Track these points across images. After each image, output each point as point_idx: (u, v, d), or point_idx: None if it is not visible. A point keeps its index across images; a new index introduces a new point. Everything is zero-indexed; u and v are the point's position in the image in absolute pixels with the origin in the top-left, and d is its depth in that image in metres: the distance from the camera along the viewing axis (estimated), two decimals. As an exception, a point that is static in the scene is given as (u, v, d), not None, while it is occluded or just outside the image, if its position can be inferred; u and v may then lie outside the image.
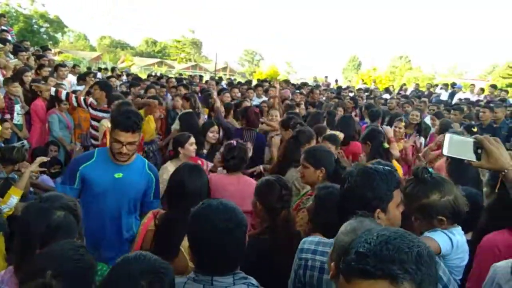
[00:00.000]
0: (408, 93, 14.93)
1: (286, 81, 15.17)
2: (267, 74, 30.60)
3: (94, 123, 5.35)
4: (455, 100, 12.73)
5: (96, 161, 2.67)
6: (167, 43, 63.39)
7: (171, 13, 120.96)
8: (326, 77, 19.74)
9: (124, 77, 12.49)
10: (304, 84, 13.17)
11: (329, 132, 4.47)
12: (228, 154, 3.24)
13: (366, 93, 12.99)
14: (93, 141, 5.44)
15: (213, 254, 1.46)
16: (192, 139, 3.76)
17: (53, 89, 5.76)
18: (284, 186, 2.33)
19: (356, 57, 56.06)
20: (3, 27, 9.65)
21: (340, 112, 6.78)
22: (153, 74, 17.56)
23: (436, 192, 1.87)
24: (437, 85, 17.09)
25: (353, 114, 7.25)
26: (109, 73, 13.53)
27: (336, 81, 19.70)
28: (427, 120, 7.33)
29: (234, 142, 3.33)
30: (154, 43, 62.81)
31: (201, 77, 17.28)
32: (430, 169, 1.94)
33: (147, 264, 1.31)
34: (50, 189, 4.99)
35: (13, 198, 3.08)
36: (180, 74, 21.16)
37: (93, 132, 5.37)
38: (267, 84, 10.97)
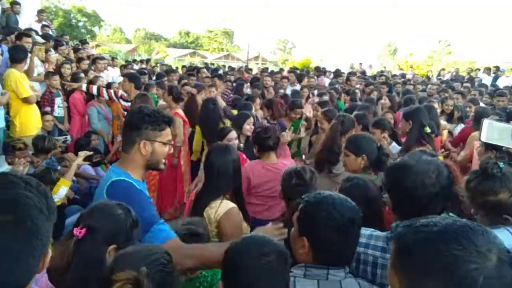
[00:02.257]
0: (446, 78, 14.34)
1: (317, 68, 14.93)
2: (300, 62, 30.23)
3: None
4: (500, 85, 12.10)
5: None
6: (199, 34, 63.94)
7: (204, 4, 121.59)
8: (360, 63, 19.29)
9: (159, 69, 12.69)
10: (338, 74, 12.87)
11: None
12: (262, 135, 3.26)
13: (403, 79, 12.58)
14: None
15: (334, 246, 1.44)
16: (233, 134, 3.75)
17: (84, 85, 5.97)
18: (300, 177, 2.35)
19: (392, 43, 54.44)
20: (44, 22, 10.02)
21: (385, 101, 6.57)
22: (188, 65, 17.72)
23: (505, 190, 1.75)
24: (478, 69, 16.31)
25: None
26: (144, 65, 13.82)
27: (370, 66, 19.20)
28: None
29: (264, 124, 3.41)
30: (187, 34, 63.47)
31: (232, 68, 17.32)
32: (501, 164, 1.80)
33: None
34: (91, 177, 5.24)
35: (62, 189, 3.29)
36: (212, 64, 21.28)
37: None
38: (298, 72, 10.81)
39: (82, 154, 3.64)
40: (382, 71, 16.73)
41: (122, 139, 2.03)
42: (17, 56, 5.17)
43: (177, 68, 15.06)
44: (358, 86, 9.80)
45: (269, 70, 15.06)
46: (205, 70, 10.22)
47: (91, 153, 4.02)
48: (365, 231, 1.69)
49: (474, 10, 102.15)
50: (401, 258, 0.94)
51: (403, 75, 14.98)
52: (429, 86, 9.21)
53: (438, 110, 5.08)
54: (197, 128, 5.04)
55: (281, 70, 16.95)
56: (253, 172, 3.20)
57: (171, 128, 2.03)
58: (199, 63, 27.19)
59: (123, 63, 13.25)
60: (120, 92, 5.58)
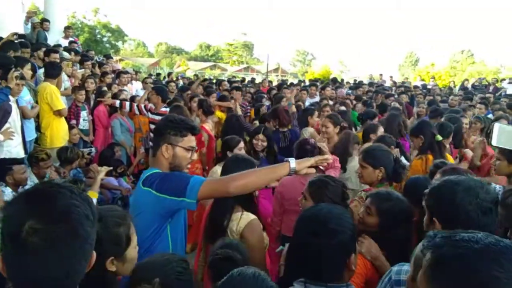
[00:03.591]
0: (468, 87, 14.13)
1: (334, 80, 14.94)
2: (319, 73, 30.24)
3: (152, 126, 5.64)
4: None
5: None
6: (220, 47, 64.81)
7: (223, 18, 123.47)
8: (381, 74, 19.18)
9: (181, 82, 12.94)
10: (359, 84, 12.84)
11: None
12: (300, 151, 3.30)
13: (424, 90, 12.45)
14: (152, 144, 5.74)
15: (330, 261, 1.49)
16: (242, 144, 3.82)
17: (117, 102, 6.19)
18: (344, 186, 2.40)
19: (414, 53, 53.87)
20: (70, 38, 10.41)
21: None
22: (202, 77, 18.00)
23: None
24: (504, 79, 15.97)
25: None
26: (167, 78, 14.12)
27: (391, 77, 19.07)
28: (491, 117, 6.90)
29: (307, 139, 3.43)
30: (208, 47, 64.43)
31: (253, 79, 17.50)
32: None
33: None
34: (115, 188, 5.41)
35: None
36: (233, 77, 21.54)
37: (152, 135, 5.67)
38: (318, 83, 10.86)
39: (104, 169, 3.79)
40: (403, 82, 16.59)
41: (152, 143, 2.22)
42: (53, 72, 5.44)
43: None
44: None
45: (289, 82, 15.16)
46: (226, 82, 10.38)
47: (110, 168, 4.17)
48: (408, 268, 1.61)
49: (497, 15, 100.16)
50: (436, 269, 0.93)
51: (424, 86, 14.82)
52: (451, 97, 9.10)
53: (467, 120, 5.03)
54: (219, 142, 5.13)
55: (300, 81, 17.02)
56: (288, 187, 3.12)
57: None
58: (219, 75, 27.54)
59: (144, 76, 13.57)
60: (149, 105, 5.79)
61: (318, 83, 11.45)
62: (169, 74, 15.93)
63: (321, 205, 1.71)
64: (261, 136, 4.18)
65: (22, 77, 4.48)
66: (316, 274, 1.49)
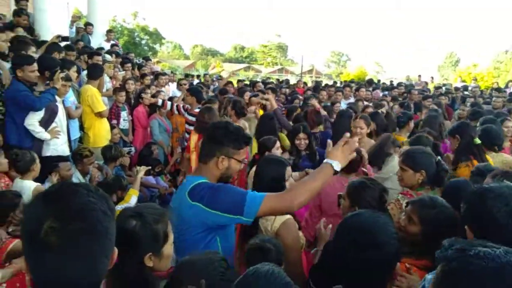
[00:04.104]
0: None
1: (370, 81, 14.66)
2: (354, 75, 29.77)
3: (188, 127, 5.76)
4: None
5: None
6: (254, 48, 65.13)
7: (258, 19, 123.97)
8: (419, 76, 18.64)
9: (216, 83, 13.11)
10: (398, 85, 12.54)
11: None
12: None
13: (465, 92, 12.00)
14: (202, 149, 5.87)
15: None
16: (278, 143, 3.83)
17: (160, 101, 6.39)
18: (384, 189, 2.33)
19: (454, 54, 51.93)
20: (112, 42, 10.81)
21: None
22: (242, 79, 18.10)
23: None
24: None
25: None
26: (201, 79, 14.36)
27: (432, 78, 18.49)
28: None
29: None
30: (242, 48, 64.91)
31: (287, 81, 17.46)
32: None
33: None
34: (152, 186, 5.58)
35: (133, 198, 3.62)
36: (267, 78, 21.58)
37: (188, 136, 5.79)
38: (353, 85, 10.70)
39: (143, 169, 3.93)
40: (444, 84, 16.06)
41: (201, 149, 2.13)
42: (95, 73, 5.67)
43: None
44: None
45: (323, 84, 15.03)
46: (261, 83, 10.43)
47: (149, 167, 4.32)
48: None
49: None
50: (444, 283, 0.90)
51: (465, 88, 14.28)
52: (493, 98, 8.73)
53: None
54: (254, 141, 5.16)
55: (335, 83, 16.84)
56: (327, 188, 3.06)
57: None
58: (253, 77, 27.66)
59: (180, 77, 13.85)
60: (187, 105, 5.94)
61: (353, 84, 11.28)
62: (204, 75, 16.17)
63: (364, 213, 1.62)
64: (302, 135, 4.17)
65: (68, 79, 4.70)
66: (357, 285, 1.47)
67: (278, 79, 20.01)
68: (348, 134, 2.02)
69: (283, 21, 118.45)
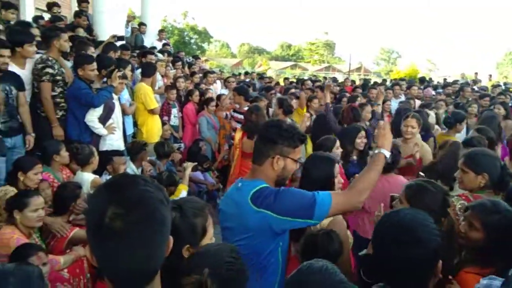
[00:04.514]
0: None
1: (422, 79, 14.08)
2: (405, 72, 28.72)
3: (235, 124, 5.83)
4: None
5: None
6: (301, 46, 64.66)
7: (305, 17, 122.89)
8: (476, 73, 17.67)
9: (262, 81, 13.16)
10: (453, 83, 11.95)
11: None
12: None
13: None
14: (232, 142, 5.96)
15: None
16: (338, 143, 3.75)
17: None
18: (447, 193, 2.21)
19: (514, 50, 48.64)
20: (164, 41, 11.17)
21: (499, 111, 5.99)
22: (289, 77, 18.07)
23: None
24: None
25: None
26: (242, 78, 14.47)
27: (490, 76, 17.46)
28: None
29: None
30: (289, 46, 64.66)
31: (334, 79, 17.20)
32: None
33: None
34: (200, 182, 5.71)
35: (183, 193, 3.73)
36: (314, 76, 21.37)
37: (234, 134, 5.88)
38: (404, 83, 10.32)
39: (190, 165, 4.04)
40: (505, 83, 15.10)
41: (254, 150, 2.05)
42: (148, 72, 5.89)
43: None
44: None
45: (372, 81, 14.65)
46: (309, 81, 10.35)
47: (196, 163, 4.44)
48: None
49: None
50: None
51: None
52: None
53: None
54: (308, 140, 5.13)
55: (384, 81, 16.35)
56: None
57: None
58: (300, 75, 27.49)
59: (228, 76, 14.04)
60: (235, 104, 6.05)
61: (403, 82, 10.88)
62: (246, 73, 16.27)
63: (403, 209, 1.60)
64: (363, 133, 4.10)
65: (124, 77, 4.92)
66: (399, 283, 1.43)
67: (325, 77, 19.75)
68: (382, 122, 2.03)
69: (331, 18, 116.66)
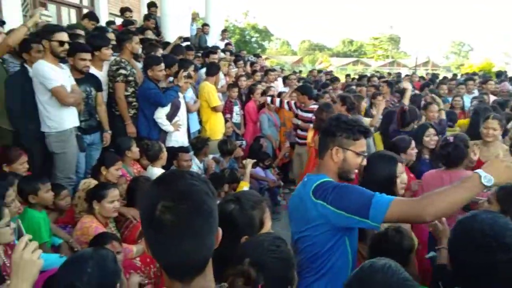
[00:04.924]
0: None
1: (500, 73, 13.04)
2: (479, 66, 26.78)
3: (302, 123, 5.81)
4: None
5: None
6: (363, 42, 62.80)
7: (368, 11, 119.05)
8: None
9: (323, 78, 13.00)
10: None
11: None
12: (442, 150, 3.13)
13: None
14: (298, 140, 5.95)
15: None
16: (413, 143, 3.57)
17: (268, 99, 6.61)
18: None
19: None
20: (226, 41, 11.45)
21: None
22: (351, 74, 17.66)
23: None
24: None
25: None
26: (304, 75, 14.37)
27: None
28: None
29: (451, 138, 3.16)
30: (351, 42, 63.10)
31: (399, 74, 16.50)
32: None
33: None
34: (261, 179, 5.78)
35: (244, 189, 3.72)
36: (377, 72, 20.67)
37: (301, 132, 5.88)
38: (477, 77, 9.65)
39: (249, 162, 4.10)
40: None
41: (318, 145, 2.09)
42: (212, 71, 6.09)
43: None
44: None
45: (441, 77, 13.85)
46: (376, 78, 10.05)
47: (255, 160, 4.49)
48: None
49: None
50: None
51: None
52: None
53: None
54: (376, 136, 5.01)
55: (455, 75, 15.40)
56: (429, 183, 3.02)
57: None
58: (362, 71, 26.74)
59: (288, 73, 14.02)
60: (299, 103, 6.06)
61: (476, 77, 10.17)
62: (311, 71, 16.13)
63: (480, 214, 1.52)
64: (432, 130, 3.93)
65: (189, 76, 5.13)
66: None
67: (389, 73, 19.01)
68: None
69: (395, 12, 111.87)
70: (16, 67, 3.99)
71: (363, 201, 1.74)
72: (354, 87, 7.86)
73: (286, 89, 8.13)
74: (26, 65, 3.86)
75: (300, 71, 17.55)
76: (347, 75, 15.60)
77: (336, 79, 10.11)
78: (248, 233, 1.64)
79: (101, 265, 1.61)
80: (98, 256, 1.64)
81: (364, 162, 2.04)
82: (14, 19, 6.23)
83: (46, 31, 3.67)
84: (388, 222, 1.84)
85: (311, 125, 5.49)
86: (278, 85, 9.23)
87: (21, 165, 3.35)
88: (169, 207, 0.98)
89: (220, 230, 1.11)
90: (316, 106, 5.74)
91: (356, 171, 2.03)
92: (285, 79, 9.63)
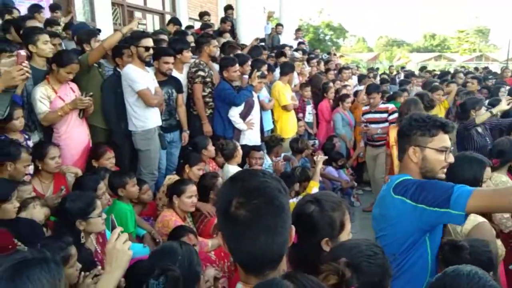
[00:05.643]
0: None
1: None
2: None
3: (374, 125, 5.60)
4: None
5: None
6: (446, 36, 58.64)
7: (451, 3, 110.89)
8: None
9: (402, 75, 12.44)
10: None
11: None
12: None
13: None
14: (371, 142, 5.76)
15: None
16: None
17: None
18: None
19: None
20: (299, 40, 11.43)
21: None
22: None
23: None
24: None
25: None
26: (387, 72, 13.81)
27: None
28: None
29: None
30: (433, 36, 59.26)
31: (487, 69, 15.18)
32: None
33: None
34: (334, 179, 5.70)
35: (314, 190, 3.78)
36: (462, 67, 19.22)
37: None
38: None
39: (320, 158, 4.06)
40: None
41: (397, 147, 2.06)
42: (286, 70, 6.17)
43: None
44: None
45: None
46: (461, 74, 9.38)
47: (326, 157, 4.44)
48: None
49: None
50: None
51: None
52: None
53: None
54: None
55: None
56: None
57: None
58: (445, 66, 25.04)
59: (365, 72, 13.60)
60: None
61: None
62: (390, 67, 15.50)
63: None
64: None
65: (263, 76, 5.22)
66: None
67: (476, 68, 17.57)
68: None
69: (482, 1, 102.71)
70: (110, 71, 4.37)
71: (444, 191, 1.68)
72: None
73: (362, 88, 7.93)
74: (118, 69, 4.22)
75: (377, 68, 16.89)
76: (428, 71, 14.70)
77: (413, 75, 9.60)
78: (328, 235, 1.62)
79: (189, 256, 1.75)
80: (186, 248, 1.79)
81: (451, 159, 1.90)
82: (106, 27, 6.83)
83: (134, 38, 3.99)
84: (471, 212, 1.73)
85: (386, 124, 5.29)
86: (352, 84, 9.02)
87: (107, 161, 3.66)
88: (242, 203, 1.04)
89: (293, 228, 1.14)
90: (387, 106, 5.52)
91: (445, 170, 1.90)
92: (361, 78, 9.39)
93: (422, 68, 14.50)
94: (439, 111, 5.94)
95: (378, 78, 10.25)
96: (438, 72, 12.99)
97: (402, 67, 16.37)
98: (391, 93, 7.26)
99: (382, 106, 5.61)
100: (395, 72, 14.82)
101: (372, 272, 1.38)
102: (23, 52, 2.68)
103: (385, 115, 5.50)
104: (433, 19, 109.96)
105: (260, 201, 1.04)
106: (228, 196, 1.07)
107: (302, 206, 1.67)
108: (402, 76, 12.31)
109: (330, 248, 1.58)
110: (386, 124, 5.40)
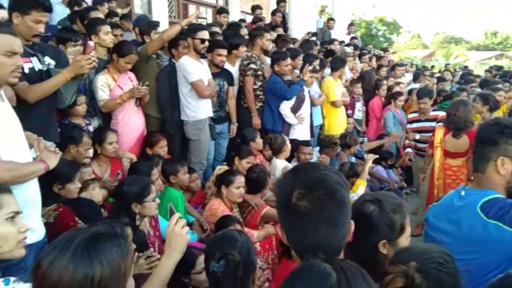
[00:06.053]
0: None
1: None
2: None
3: (419, 136, 5.28)
4: None
5: None
6: (510, 34, 54.90)
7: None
8: None
9: (459, 74, 11.82)
10: None
11: None
12: None
13: None
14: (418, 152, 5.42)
15: None
16: None
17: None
18: None
19: None
20: (352, 35, 11.18)
21: None
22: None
23: None
24: None
25: None
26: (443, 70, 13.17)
27: None
28: None
29: None
30: (495, 34, 55.74)
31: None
32: None
33: None
34: (383, 179, 5.56)
35: (360, 188, 3.66)
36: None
37: (421, 145, 5.26)
38: None
39: (370, 157, 3.95)
40: None
41: (473, 155, 1.82)
42: (336, 65, 6.08)
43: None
44: None
45: None
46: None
47: (377, 156, 4.29)
48: None
49: None
50: None
51: None
52: None
53: None
54: None
55: None
56: None
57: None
58: (508, 66, 23.51)
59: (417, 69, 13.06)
60: None
61: None
62: (446, 65, 14.77)
63: None
64: None
65: (314, 71, 5.18)
66: None
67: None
68: None
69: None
70: (166, 61, 4.51)
71: None
72: (500, 85, 6.90)
73: (417, 86, 7.63)
74: (173, 60, 4.34)
75: (433, 66, 16.17)
76: (486, 70, 13.87)
77: (470, 74, 9.10)
78: (386, 238, 1.57)
79: (247, 244, 1.79)
80: (244, 237, 1.84)
81: None
82: (162, 19, 7.04)
83: (191, 30, 4.09)
84: None
85: (435, 123, 5.00)
86: (405, 81, 8.71)
87: (161, 149, 3.81)
88: (303, 194, 1.05)
89: (352, 223, 1.13)
90: (437, 113, 5.18)
91: None
92: (417, 75, 9.02)
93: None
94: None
95: (434, 77, 9.81)
96: (500, 72, 12.21)
97: (465, 67, 15.50)
98: (449, 92, 6.94)
99: (432, 113, 5.20)
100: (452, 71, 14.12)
101: (442, 280, 1.31)
102: (91, 43, 2.86)
103: (434, 123, 4.99)
104: (495, 16, 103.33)
105: (321, 193, 1.05)
106: (289, 188, 1.08)
107: (361, 205, 1.61)
108: (458, 76, 11.70)
109: (386, 250, 1.54)
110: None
